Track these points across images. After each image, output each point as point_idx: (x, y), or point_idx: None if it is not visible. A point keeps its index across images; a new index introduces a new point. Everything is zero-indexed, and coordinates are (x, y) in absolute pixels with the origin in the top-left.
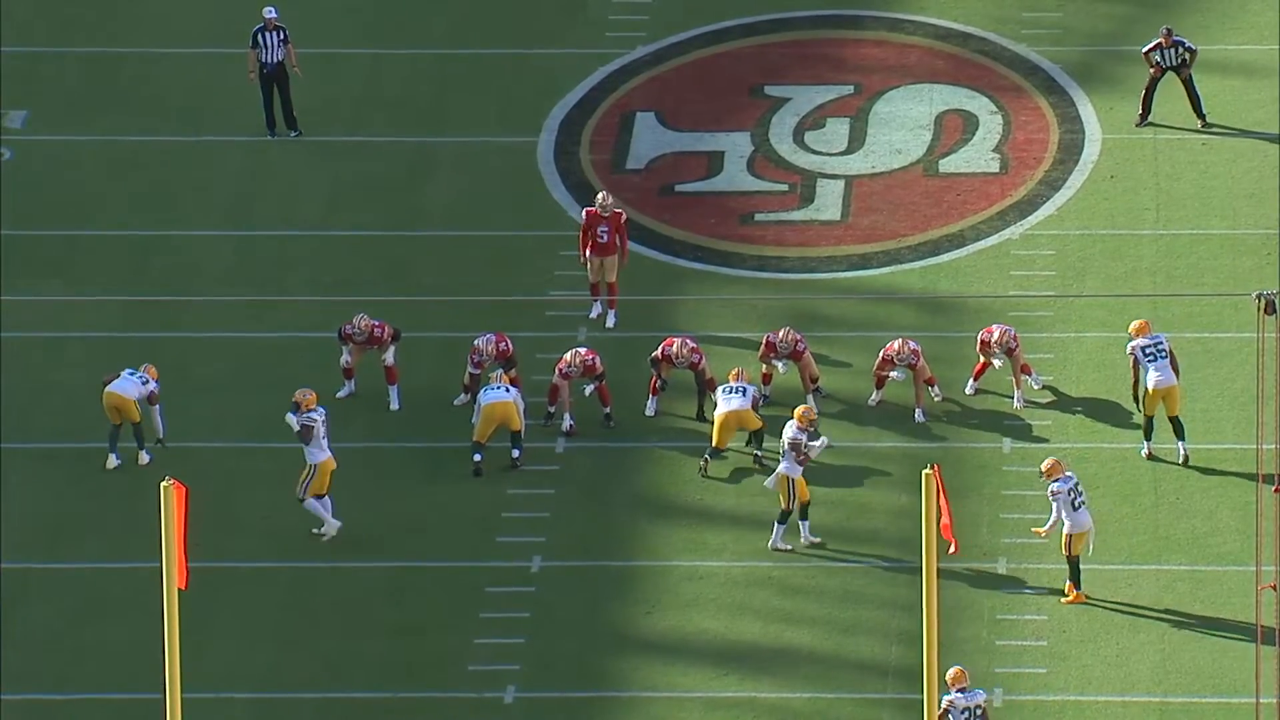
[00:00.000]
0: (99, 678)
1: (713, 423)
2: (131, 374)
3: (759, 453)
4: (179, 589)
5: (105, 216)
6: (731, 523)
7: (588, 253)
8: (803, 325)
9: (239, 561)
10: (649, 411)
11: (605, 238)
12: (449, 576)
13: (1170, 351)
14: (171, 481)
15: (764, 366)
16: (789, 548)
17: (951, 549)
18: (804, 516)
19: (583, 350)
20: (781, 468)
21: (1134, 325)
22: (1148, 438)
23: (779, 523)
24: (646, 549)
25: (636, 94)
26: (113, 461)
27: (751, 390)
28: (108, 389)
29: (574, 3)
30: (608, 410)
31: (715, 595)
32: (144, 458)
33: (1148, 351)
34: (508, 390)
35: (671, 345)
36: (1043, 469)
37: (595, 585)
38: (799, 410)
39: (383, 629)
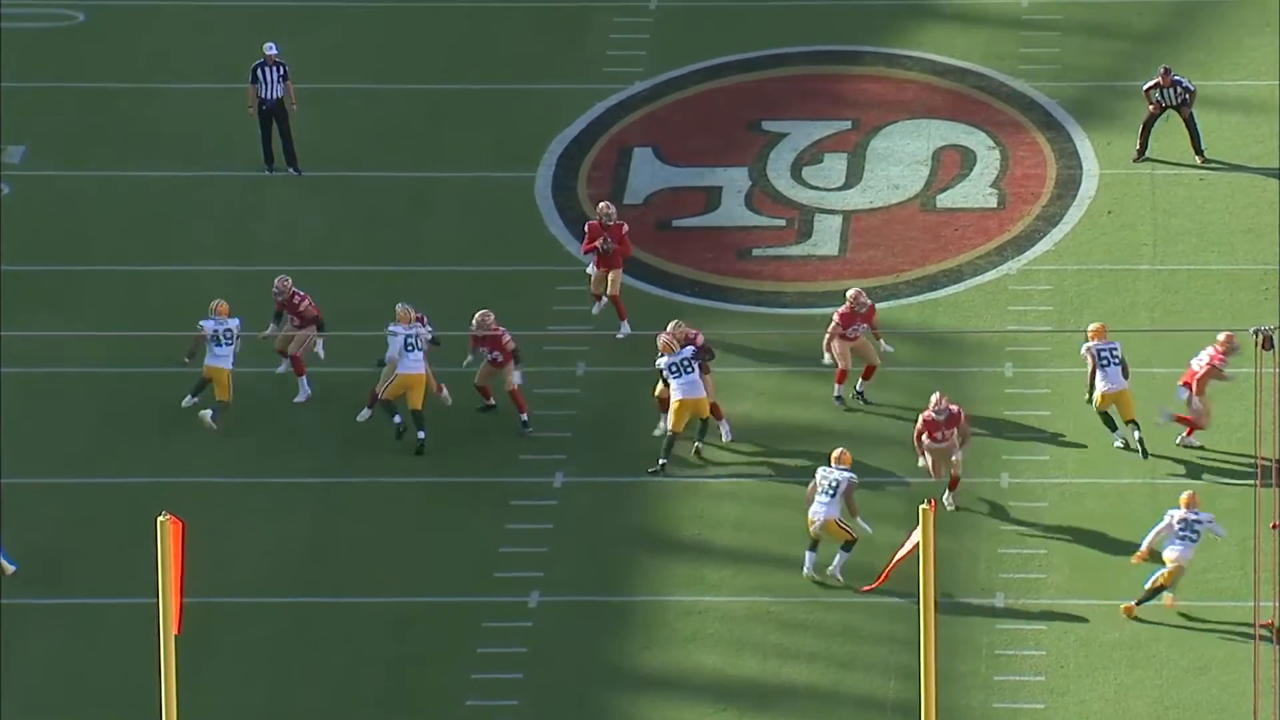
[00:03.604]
0: (99, 711)
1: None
2: (218, 345)
3: (699, 444)
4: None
5: (103, 251)
6: (730, 558)
7: (591, 267)
8: (800, 361)
9: (238, 596)
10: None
11: (608, 250)
12: (447, 611)
13: (1122, 359)
14: (168, 517)
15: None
16: (840, 580)
17: (873, 584)
18: (846, 549)
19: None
20: (826, 511)
21: (1092, 328)
22: (1112, 429)
23: (843, 550)
24: (644, 584)
25: (634, 129)
26: (188, 400)
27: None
28: (206, 364)
29: (572, 38)
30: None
31: (713, 630)
32: (208, 418)
33: (1102, 355)
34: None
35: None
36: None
37: (593, 620)
38: (837, 453)
39: (381, 664)
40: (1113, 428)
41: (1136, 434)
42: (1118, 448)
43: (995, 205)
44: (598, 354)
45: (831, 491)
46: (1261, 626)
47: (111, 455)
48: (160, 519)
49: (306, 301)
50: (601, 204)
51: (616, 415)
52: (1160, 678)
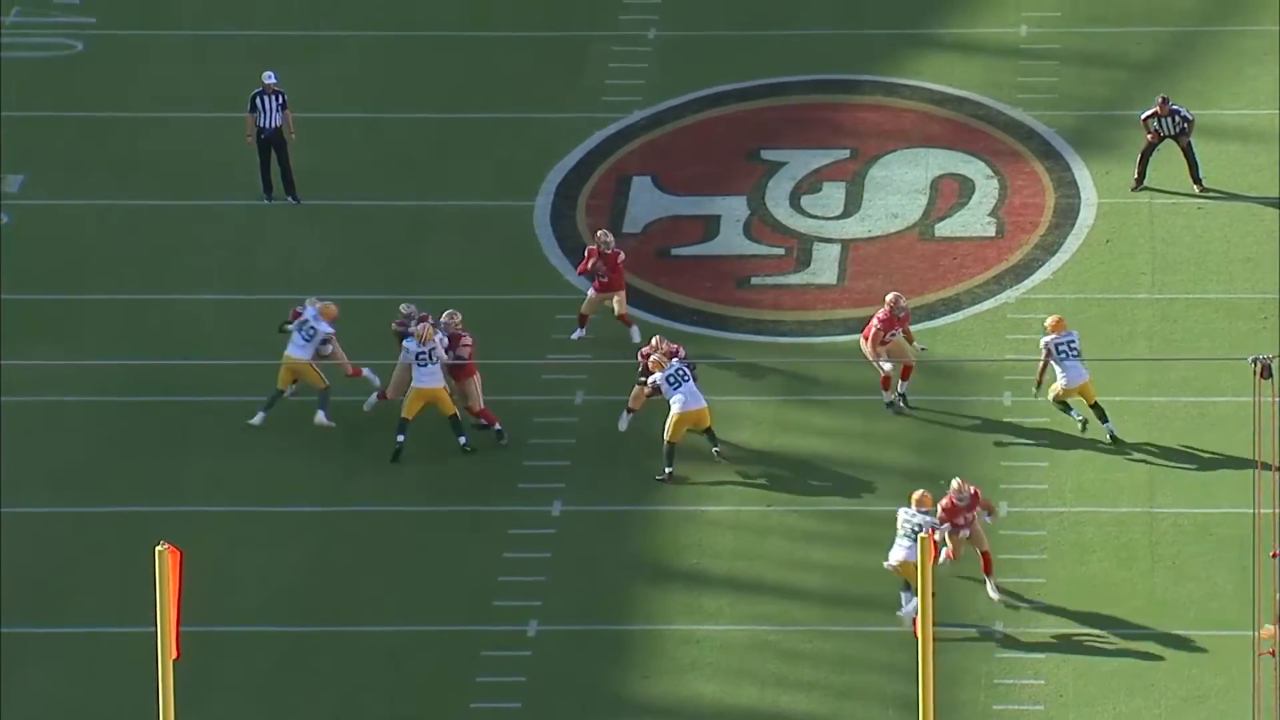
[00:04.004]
0: None
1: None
2: (300, 336)
3: (716, 449)
4: (173, 659)
5: (102, 280)
6: (729, 586)
7: (591, 291)
8: (799, 389)
9: (237, 625)
10: (621, 426)
11: (606, 276)
12: (445, 640)
13: (1080, 350)
14: (166, 546)
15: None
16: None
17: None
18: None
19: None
20: (906, 554)
21: (1050, 321)
22: (1068, 412)
23: (907, 592)
24: (643, 613)
25: (633, 158)
26: (258, 419)
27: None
28: (286, 354)
29: (571, 68)
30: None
31: (712, 659)
32: (321, 417)
33: (1060, 348)
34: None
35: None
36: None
37: (592, 649)
38: (918, 495)
39: (379, 692)
40: (1067, 410)
41: (1106, 424)
42: (1079, 424)
43: (994, 234)
44: (596, 382)
45: (913, 535)
46: (1265, 654)
47: (110, 483)
48: (158, 548)
49: (466, 338)
50: (600, 231)
51: (615, 443)
52: (1159, 706)
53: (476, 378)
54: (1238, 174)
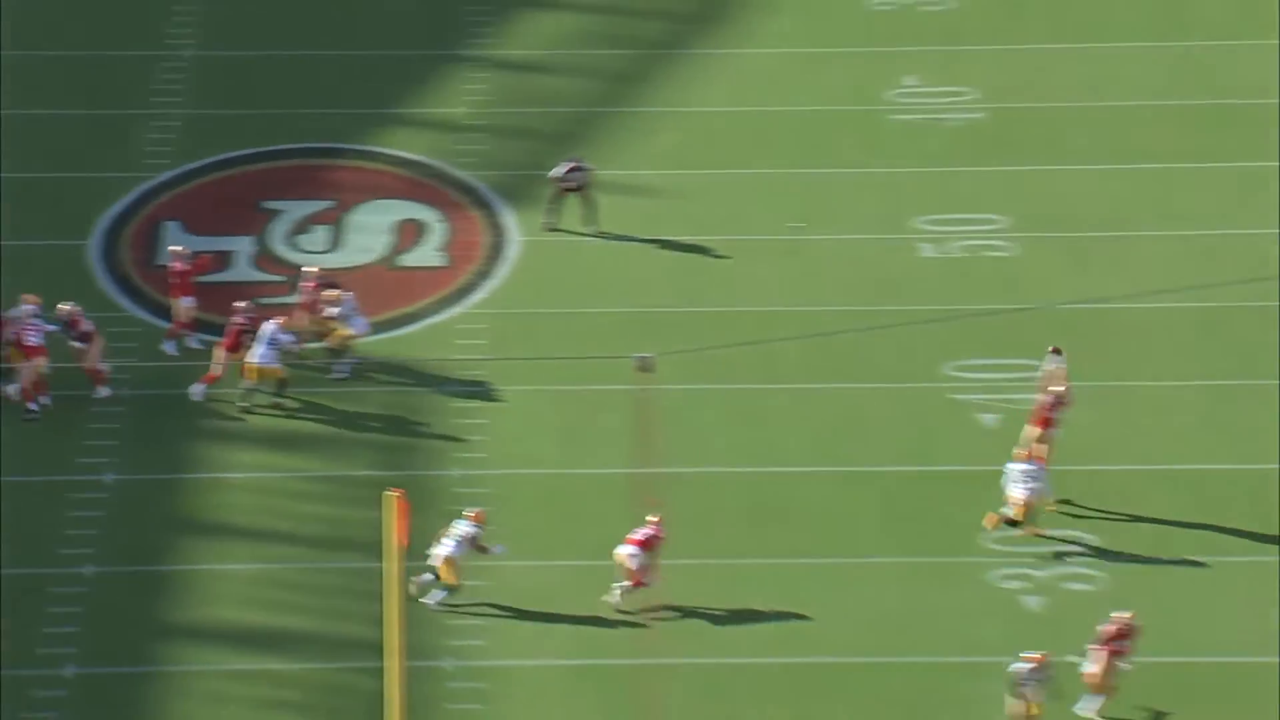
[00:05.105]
0: None
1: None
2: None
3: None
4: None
5: None
6: (245, 535)
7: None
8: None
9: None
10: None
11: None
12: (15, 581)
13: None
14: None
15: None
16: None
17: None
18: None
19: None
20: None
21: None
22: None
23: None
24: (181, 556)
25: (165, 207)
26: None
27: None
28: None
29: (117, 138)
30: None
31: (232, 591)
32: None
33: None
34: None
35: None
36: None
37: (139, 587)
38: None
39: None
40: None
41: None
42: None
43: (444, 264)
44: (141, 377)
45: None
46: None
47: None
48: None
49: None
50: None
51: (159, 420)
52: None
53: (40, 360)
54: (637, 224)
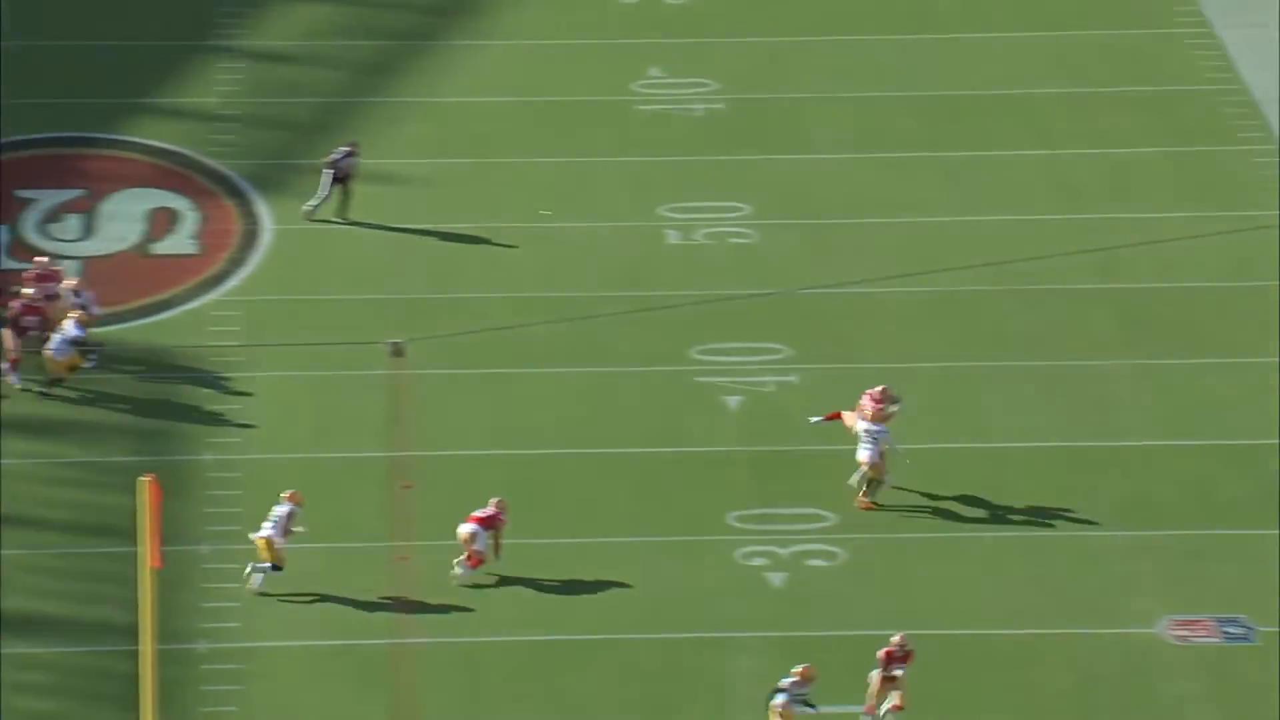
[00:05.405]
0: None
1: None
2: None
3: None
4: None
5: None
6: (13, 522)
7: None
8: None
9: None
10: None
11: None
12: None
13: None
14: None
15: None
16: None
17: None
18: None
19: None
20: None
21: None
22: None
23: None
24: None
25: None
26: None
27: None
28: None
29: None
30: None
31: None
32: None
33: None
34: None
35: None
36: None
37: None
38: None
39: None
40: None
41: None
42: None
43: (197, 252)
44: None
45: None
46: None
47: None
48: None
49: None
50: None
51: None
52: None
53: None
54: (380, 209)
